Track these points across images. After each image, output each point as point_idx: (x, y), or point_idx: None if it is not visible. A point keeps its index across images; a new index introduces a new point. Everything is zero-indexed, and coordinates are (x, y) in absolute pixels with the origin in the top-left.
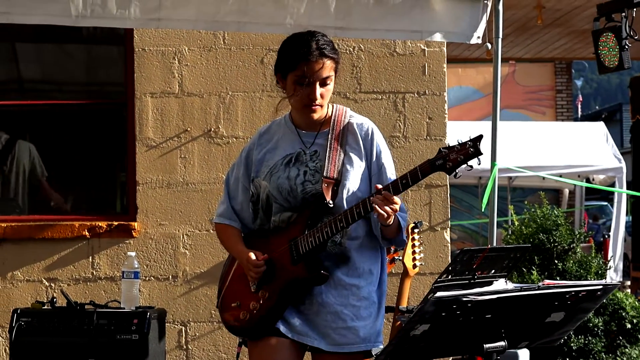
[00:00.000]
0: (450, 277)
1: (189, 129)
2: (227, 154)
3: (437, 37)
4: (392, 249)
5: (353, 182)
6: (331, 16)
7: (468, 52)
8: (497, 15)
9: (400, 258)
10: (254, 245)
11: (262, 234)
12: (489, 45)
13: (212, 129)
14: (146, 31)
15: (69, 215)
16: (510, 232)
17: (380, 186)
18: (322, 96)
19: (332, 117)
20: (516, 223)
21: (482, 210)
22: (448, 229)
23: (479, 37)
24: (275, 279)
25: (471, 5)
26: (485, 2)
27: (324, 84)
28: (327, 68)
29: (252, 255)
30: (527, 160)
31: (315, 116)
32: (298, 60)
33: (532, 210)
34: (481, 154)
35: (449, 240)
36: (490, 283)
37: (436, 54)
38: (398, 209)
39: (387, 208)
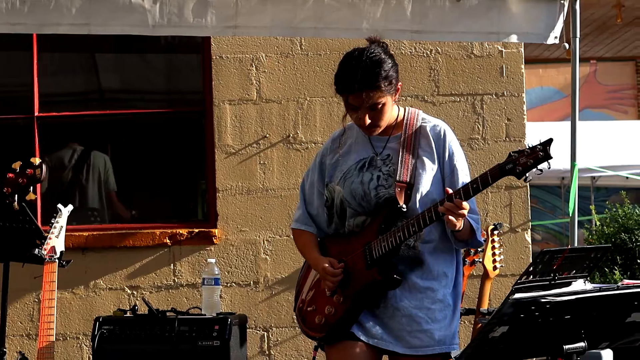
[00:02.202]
0: (530, 278)
1: (267, 135)
2: (306, 160)
3: (514, 38)
4: (472, 251)
5: (426, 185)
6: (407, 20)
7: (548, 53)
8: (575, 15)
9: (481, 260)
10: (328, 250)
11: (336, 238)
12: (567, 45)
13: (291, 135)
14: (223, 39)
15: (150, 224)
16: (592, 232)
17: (450, 191)
18: (373, 119)
19: (404, 121)
20: (597, 223)
21: (570, 213)
22: (529, 230)
23: (556, 37)
24: (350, 283)
25: (548, 6)
26: (562, 2)
27: (373, 108)
28: (374, 97)
29: (328, 265)
30: (610, 159)
31: (375, 134)
32: (341, 90)
33: (614, 210)
34: (551, 157)
35: (529, 242)
36: (570, 284)
37: (514, 55)
38: (466, 214)
39: (454, 214)
